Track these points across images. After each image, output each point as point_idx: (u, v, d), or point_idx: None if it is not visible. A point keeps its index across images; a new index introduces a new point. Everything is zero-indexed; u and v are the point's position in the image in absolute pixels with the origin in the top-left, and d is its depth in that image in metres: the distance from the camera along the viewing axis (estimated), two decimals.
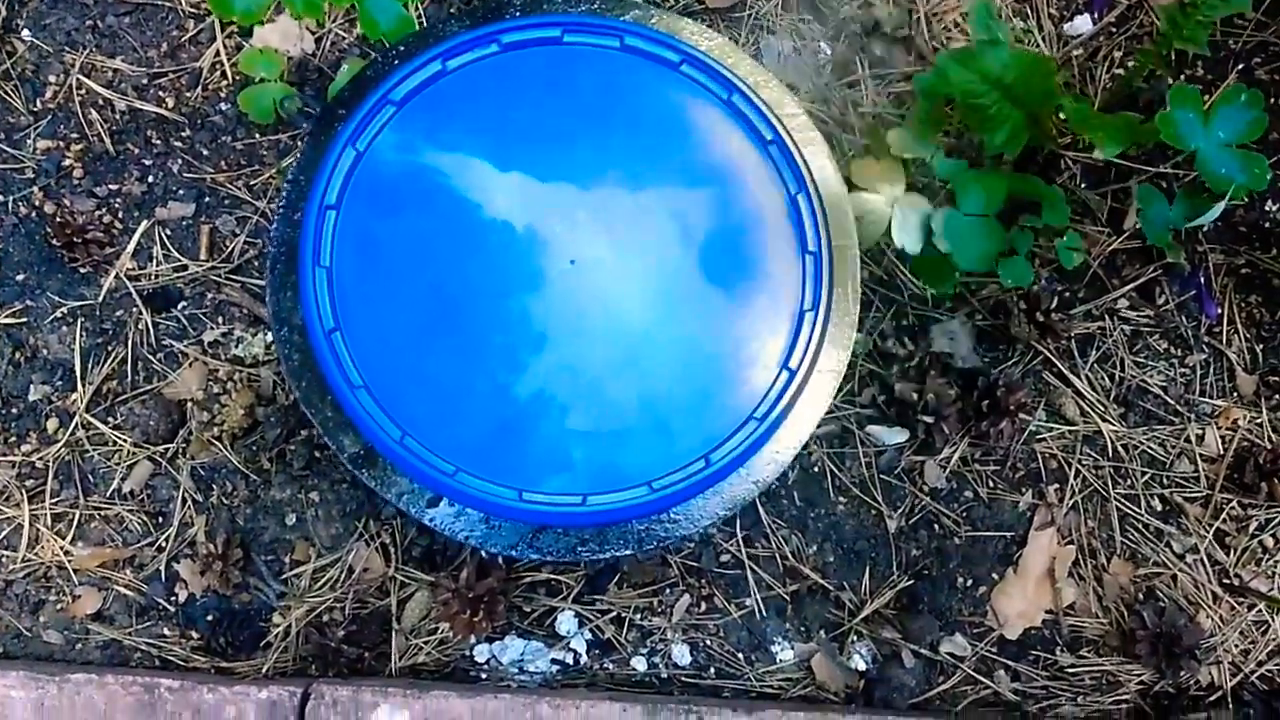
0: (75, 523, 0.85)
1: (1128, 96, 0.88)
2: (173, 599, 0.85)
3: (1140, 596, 0.84)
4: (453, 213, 0.66)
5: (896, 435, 0.86)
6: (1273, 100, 0.89)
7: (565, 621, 0.82)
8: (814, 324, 0.66)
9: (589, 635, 0.82)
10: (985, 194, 0.76)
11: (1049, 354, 0.87)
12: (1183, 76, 0.91)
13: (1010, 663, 0.83)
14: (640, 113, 0.68)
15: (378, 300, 0.65)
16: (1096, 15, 0.92)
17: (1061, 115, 0.85)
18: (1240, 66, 0.90)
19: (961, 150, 0.82)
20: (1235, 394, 0.88)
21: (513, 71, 0.68)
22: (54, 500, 0.85)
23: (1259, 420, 0.87)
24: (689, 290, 0.66)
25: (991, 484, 0.86)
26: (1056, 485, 0.86)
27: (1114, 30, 0.92)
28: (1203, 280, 0.89)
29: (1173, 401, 0.88)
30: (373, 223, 0.65)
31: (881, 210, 0.76)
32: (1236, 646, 0.84)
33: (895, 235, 0.75)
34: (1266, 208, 0.89)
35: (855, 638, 0.83)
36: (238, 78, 0.87)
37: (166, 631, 0.85)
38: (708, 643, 0.83)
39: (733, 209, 0.68)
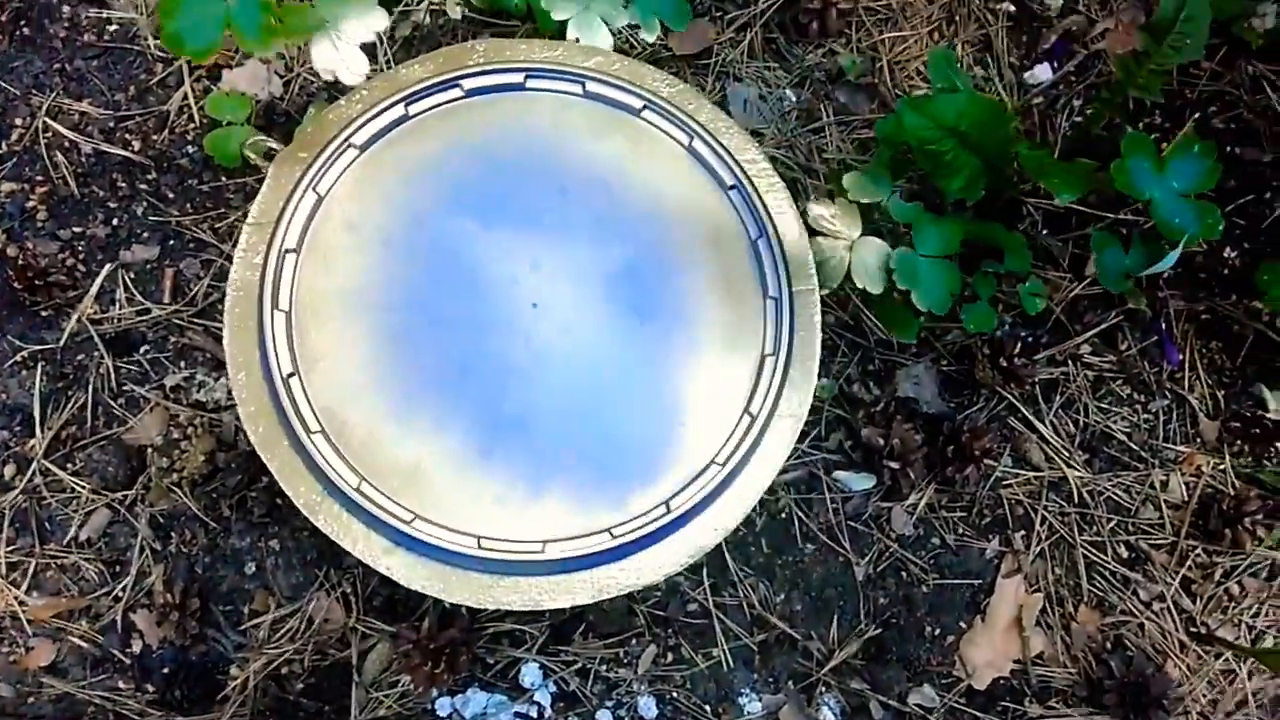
0: (30, 572, 0.83)
1: (1088, 144, 0.90)
2: (128, 651, 0.83)
3: (1108, 645, 0.84)
4: (414, 258, 0.66)
5: (863, 481, 0.85)
6: (1229, 149, 0.91)
7: (529, 673, 0.81)
8: (775, 369, 0.66)
9: (553, 688, 0.81)
10: (942, 236, 0.77)
11: (1013, 399, 0.88)
12: (1141, 124, 0.93)
13: (979, 714, 0.82)
14: (602, 157, 0.68)
15: (336, 344, 0.64)
16: (1056, 64, 0.94)
17: (1018, 163, 0.87)
18: (1196, 115, 0.92)
19: (924, 196, 0.83)
20: (1198, 440, 0.89)
21: (475, 116, 0.68)
22: (9, 549, 0.83)
23: (1222, 466, 0.88)
24: (650, 335, 0.66)
25: (959, 530, 0.85)
26: (1023, 532, 0.86)
27: (1073, 79, 0.94)
28: (1164, 326, 0.90)
29: (1136, 447, 0.88)
30: (333, 266, 0.65)
31: (841, 254, 0.76)
32: (1205, 696, 0.84)
33: (855, 277, 0.75)
34: (1225, 254, 0.91)
35: (823, 688, 0.82)
36: (205, 121, 0.87)
37: (121, 684, 0.82)
38: (674, 695, 0.81)
39: (694, 254, 0.68)
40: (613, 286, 0.67)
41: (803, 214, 0.71)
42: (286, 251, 0.64)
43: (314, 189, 0.65)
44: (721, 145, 0.69)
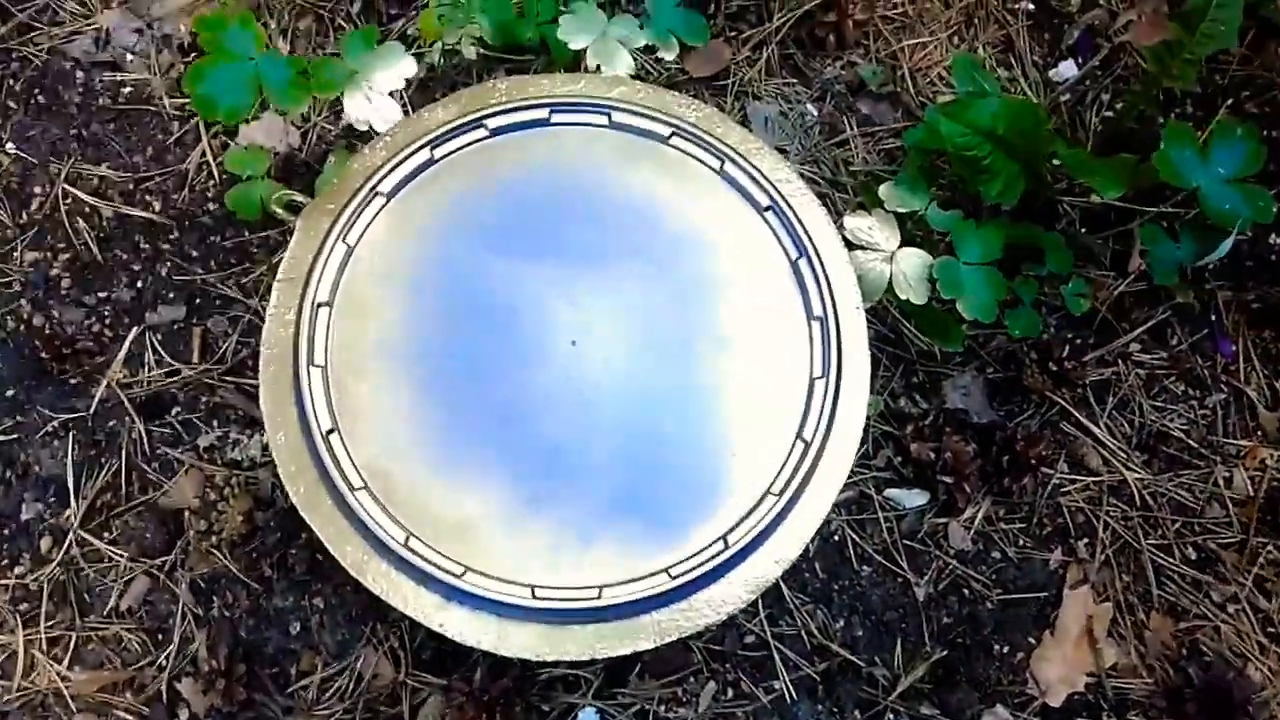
0: (72, 646, 0.82)
1: (1120, 138, 0.88)
2: None
3: (1184, 652, 0.81)
4: (450, 303, 0.64)
5: (916, 498, 0.83)
6: (1266, 132, 0.89)
7: (586, 719, 0.78)
8: (826, 391, 0.64)
9: None
10: (983, 244, 0.75)
11: (1065, 403, 0.85)
12: (1173, 115, 0.91)
13: None
14: (634, 188, 0.67)
15: (376, 397, 0.63)
16: (1080, 60, 0.92)
17: (1055, 161, 0.85)
18: (1229, 101, 0.90)
19: (957, 202, 0.81)
20: (1259, 433, 0.86)
21: (502, 155, 0.67)
22: (49, 623, 0.82)
23: None
24: (696, 366, 0.64)
25: (1019, 543, 0.83)
26: (1086, 539, 0.83)
27: (1099, 73, 0.92)
28: (1215, 318, 0.87)
29: (1196, 444, 0.85)
30: (367, 317, 0.64)
31: (880, 267, 0.74)
32: None
33: (897, 289, 0.73)
34: (1271, 240, 0.88)
35: (892, 716, 0.79)
36: (224, 176, 0.86)
37: None
38: None
39: (734, 280, 0.66)
40: (652, 317, 0.65)
41: (839, 228, 0.69)
42: (319, 305, 0.63)
43: (343, 240, 0.64)
44: (754, 166, 0.67)
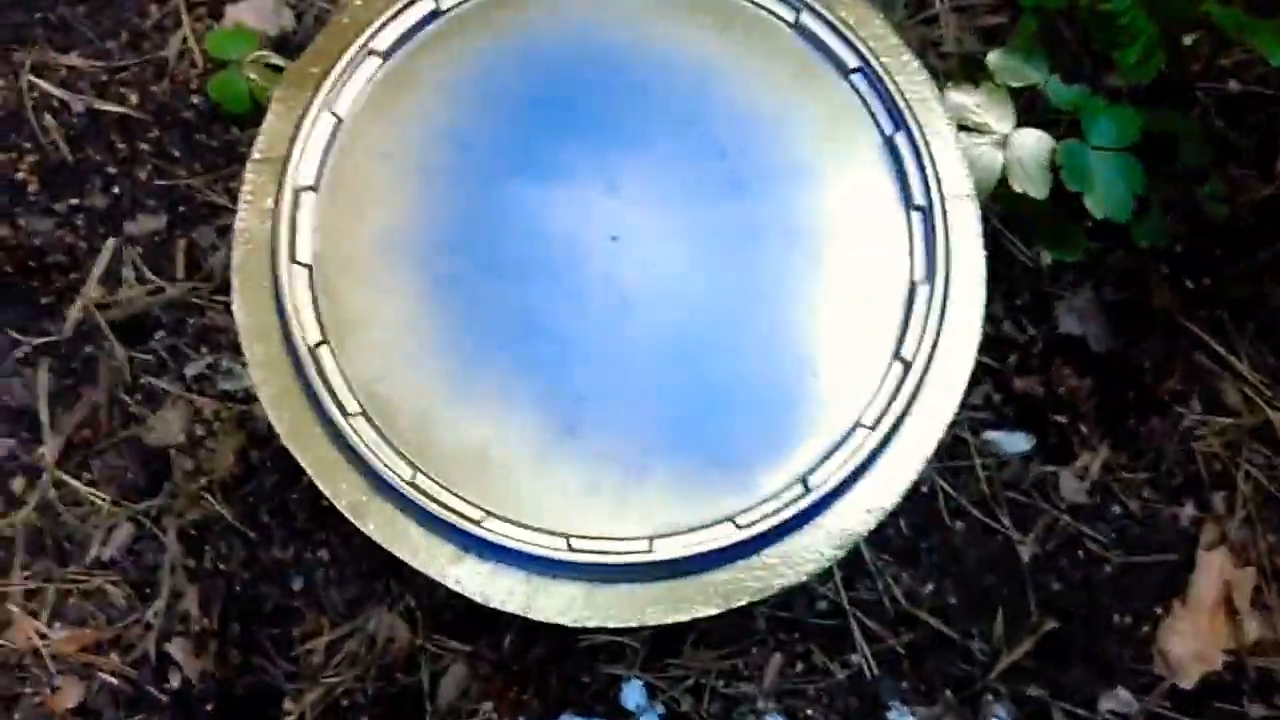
0: (51, 600, 0.73)
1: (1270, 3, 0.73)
2: (166, 687, 0.72)
3: None
4: (463, 188, 0.53)
5: (1021, 441, 0.71)
6: None
7: (632, 694, 0.68)
8: (930, 299, 0.51)
9: (662, 709, 0.68)
10: (1119, 124, 0.62)
11: (1198, 330, 0.72)
12: None
13: (1186, 719, 0.67)
14: (687, 46, 0.54)
15: (375, 303, 0.51)
16: None
17: (1189, 40, 0.71)
18: None
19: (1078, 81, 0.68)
20: None
21: (524, 6, 0.55)
22: (25, 574, 0.73)
23: None
24: (766, 267, 0.52)
25: (1144, 495, 0.71)
26: (1224, 492, 0.71)
27: None
28: None
29: None
30: (363, 205, 0.52)
31: (991, 153, 0.61)
32: None
33: (1013, 180, 0.60)
34: None
35: (991, 697, 0.68)
36: (208, 65, 0.75)
37: None
38: (809, 711, 0.68)
39: (813, 160, 0.54)
40: (711, 207, 0.53)
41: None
42: (302, 190, 0.51)
43: (330, 110, 0.52)
44: (839, 18, 0.54)
